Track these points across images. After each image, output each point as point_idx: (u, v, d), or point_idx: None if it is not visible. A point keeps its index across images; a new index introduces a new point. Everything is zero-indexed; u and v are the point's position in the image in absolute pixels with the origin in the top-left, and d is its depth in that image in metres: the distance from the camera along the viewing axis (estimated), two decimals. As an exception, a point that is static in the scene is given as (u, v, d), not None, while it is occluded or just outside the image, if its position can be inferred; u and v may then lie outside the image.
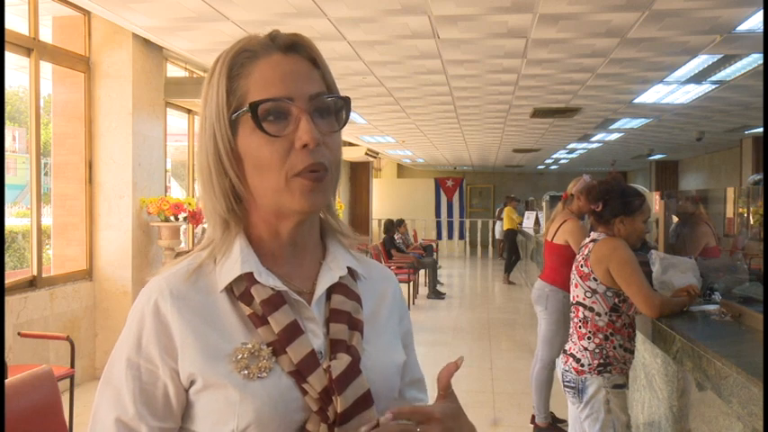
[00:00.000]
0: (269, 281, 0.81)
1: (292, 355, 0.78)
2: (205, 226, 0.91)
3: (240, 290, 0.81)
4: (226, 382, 0.76)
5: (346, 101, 0.85)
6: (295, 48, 0.84)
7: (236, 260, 0.82)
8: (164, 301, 0.80)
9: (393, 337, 0.93)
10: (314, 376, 0.78)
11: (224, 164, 0.82)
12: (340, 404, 0.77)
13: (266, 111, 0.79)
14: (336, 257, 0.89)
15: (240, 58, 0.82)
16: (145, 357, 0.79)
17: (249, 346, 0.78)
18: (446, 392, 0.80)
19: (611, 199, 2.59)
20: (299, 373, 0.78)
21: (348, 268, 0.89)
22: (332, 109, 0.83)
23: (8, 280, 4.28)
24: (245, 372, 0.77)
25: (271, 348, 0.78)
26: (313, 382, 0.78)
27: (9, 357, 3.96)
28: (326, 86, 0.84)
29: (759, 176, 5.49)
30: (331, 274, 0.87)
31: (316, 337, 0.82)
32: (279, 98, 0.79)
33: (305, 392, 0.78)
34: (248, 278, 0.81)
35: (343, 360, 0.80)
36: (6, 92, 4.52)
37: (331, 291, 0.86)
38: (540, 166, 18.93)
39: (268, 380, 0.77)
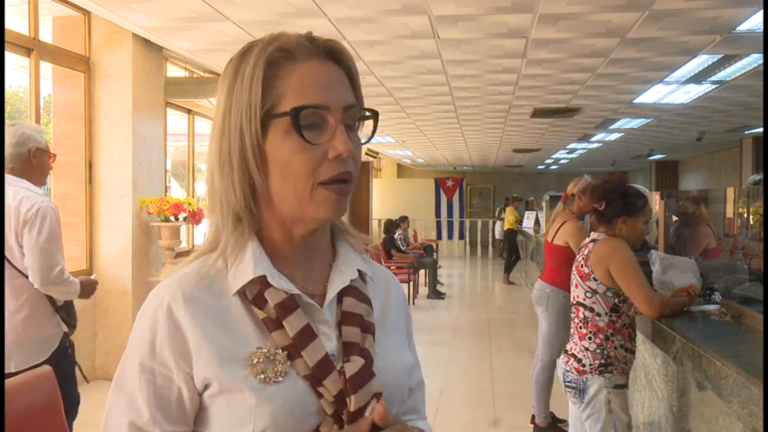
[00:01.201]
0: (282, 284, 0.81)
1: (307, 358, 0.78)
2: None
3: (253, 293, 0.81)
4: (242, 386, 0.76)
5: (375, 115, 0.86)
6: (333, 55, 0.84)
7: (249, 263, 0.81)
8: (177, 304, 0.79)
9: (401, 339, 0.94)
10: (329, 379, 0.78)
11: (248, 161, 0.80)
12: (354, 403, 0.77)
13: (304, 118, 0.78)
14: (347, 260, 0.89)
15: (277, 56, 0.80)
16: (159, 361, 0.79)
17: (264, 350, 0.78)
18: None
19: (614, 198, 2.59)
20: (315, 377, 0.78)
21: (358, 271, 0.89)
22: (359, 122, 0.84)
23: (8, 280, 4.27)
24: (262, 376, 0.76)
25: (286, 352, 0.78)
26: (328, 385, 0.78)
27: (9, 357, 3.96)
28: (357, 98, 0.85)
29: (759, 176, 5.48)
30: (342, 276, 0.87)
31: (329, 340, 0.82)
32: (319, 105, 0.79)
33: (320, 396, 0.78)
34: (261, 282, 0.81)
35: (356, 362, 0.80)
36: (6, 92, 4.51)
37: (342, 293, 0.86)
38: (540, 166, 18.93)
39: (284, 384, 0.77)
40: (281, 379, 0.77)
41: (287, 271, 0.84)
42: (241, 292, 0.81)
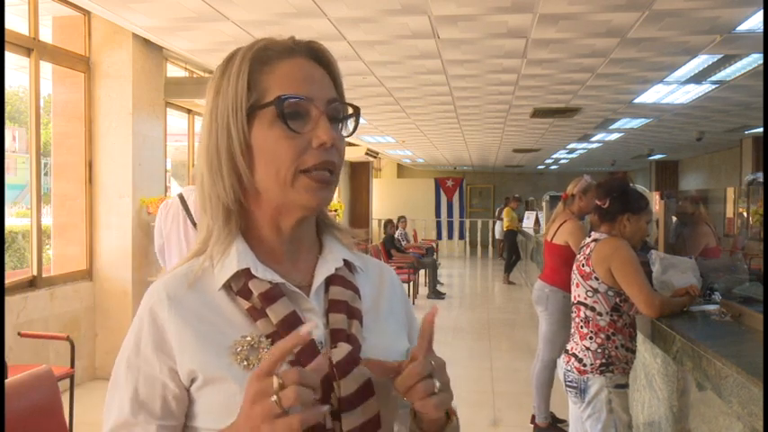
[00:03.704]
0: (266, 275, 0.83)
1: None
2: None
3: (238, 285, 0.83)
4: (226, 374, 0.77)
5: (357, 110, 0.89)
6: (316, 56, 0.87)
7: (234, 258, 0.83)
8: (160, 305, 0.82)
9: (396, 326, 0.94)
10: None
11: (235, 156, 0.83)
12: (342, 389, 0.78)
13: (289, 108, 0.81)
14: (333, 251, 0.91)
15: (263, 55, 0.84)
16: (143, 359, 0.81)
17: (248, 338, 0.79)
18: (430, 340, 0.79)
19: (617, 196, 2.59)
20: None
21: (344, 260, 0.90)
22: (342, 117, 0.87)
23: (8, 280, 4.28)
24: (245, 363, 0.78)
25: (270, 340, 0.79)
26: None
27: (9, 357, 3.96)
28: (339, 96, 0.88)
29: (754, 176, 5.43)
30: (328, 266, 0.88)
31: (316, 328, 0.82)
32: (302, 96, 0.82)
33: None
34: (246, 274, 0.83)
35: (343, 348, 0.81)
36: (6, 92, 4.52)
37: (329, 283, 0.88)
38: (540, 166, 18.93)
39: None
40: None
41: (273, 264, 0.86)
42: (227, 286, 0.83)
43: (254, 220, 0.87)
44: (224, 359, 0.78)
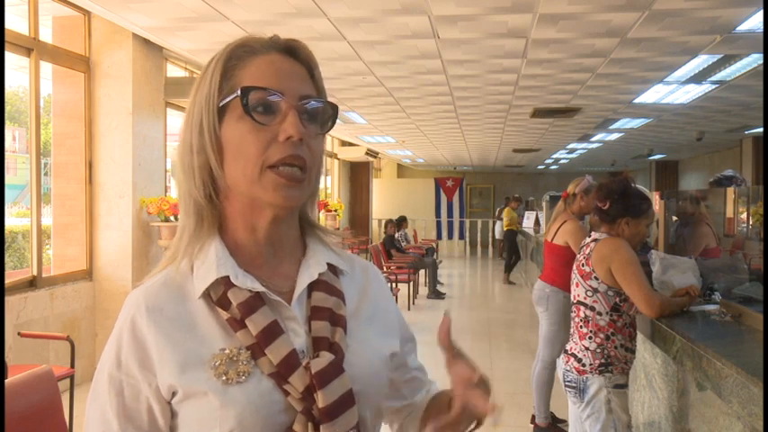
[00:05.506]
0: (246, 283, 0.81)
1: (272, 356, 0.77)
2: None
3: (217, 295, 0.80)
4: (205, 389, 0.76)
5: (334, 108, 0.86)
6: (293, 52, 0.85)
7: (213, 264, 0.81)
8: (140, 316, 0.80)
9: (380, 328, 0.92)
10: (295, 376, 0.77)
11: (207, 151, 0.81)
12: (321, 399, 0.76)
13: (256, 101, 0.79)
14: (316, 254, 0.89)
15: (238, 52, 0.84)
16: (126, 373, 0.79)
17: (227, 351, 0.77)
18: (452, 350, 0.83)
19: (618, 199, 2.59)
20: (280, 375, 0.77)
21: (329, 264, 0.88)
22: (319, 115, 0.84)
23: (8, 280, 4.28)
24: (224, 377, 0.76)
25: (249, 352, 0.78)
26: (294, 381, 0.77)
27: (9, 357, 3.96)
28: (318, 93, 0.86)
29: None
30: (310, 271, 0.86)
31: (297, 337, 0.81)
32: (270, 89, 0.80)
33: (287, 393, 0.77)
34: (225, 282, 0.80)
35: (325, 357, 0.79)
36: (6, 92, 4.52)
37: (312, 288, 0.85)
38: (540, 166, 18.93)
39: (247, 384, 0.76)
40: (243, 379, 0.76)
41: (254, 270, 0.83)
42: (206, 295, 0.81)
43: (228, 219, 0.85)
44: (203, 373, 0.76)
